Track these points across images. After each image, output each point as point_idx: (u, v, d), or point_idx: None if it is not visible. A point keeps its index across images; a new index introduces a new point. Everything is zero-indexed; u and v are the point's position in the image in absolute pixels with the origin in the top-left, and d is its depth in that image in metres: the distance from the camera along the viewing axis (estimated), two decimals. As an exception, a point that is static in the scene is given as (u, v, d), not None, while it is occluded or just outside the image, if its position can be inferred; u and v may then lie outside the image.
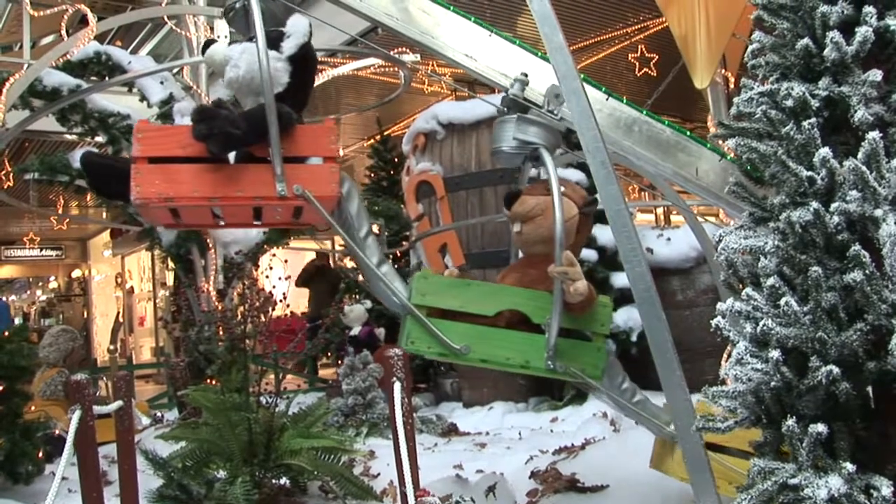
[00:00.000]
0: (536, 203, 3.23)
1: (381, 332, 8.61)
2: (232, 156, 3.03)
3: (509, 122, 3.20)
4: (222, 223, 3.38)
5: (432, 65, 9.40)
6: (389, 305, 3.18)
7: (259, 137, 2.89)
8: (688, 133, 3.56)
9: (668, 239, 7.75)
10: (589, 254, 7.63)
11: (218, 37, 8.74)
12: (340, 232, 3.06)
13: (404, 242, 10.13)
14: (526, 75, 3.26)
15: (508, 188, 8.56)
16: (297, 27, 3.07)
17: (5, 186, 11.50)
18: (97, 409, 3.39)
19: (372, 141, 13.36)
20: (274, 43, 3.00)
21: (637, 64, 10.51)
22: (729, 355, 2.25)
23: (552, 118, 3.18)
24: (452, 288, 3.20)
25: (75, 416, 3.11)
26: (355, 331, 8.39)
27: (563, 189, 3.21)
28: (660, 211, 14.37)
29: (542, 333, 3.16)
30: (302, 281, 12.31)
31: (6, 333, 5.31)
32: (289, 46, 3.03)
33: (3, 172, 11.43)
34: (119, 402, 3.76)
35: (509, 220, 3.43)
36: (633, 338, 7.15)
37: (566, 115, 3.09)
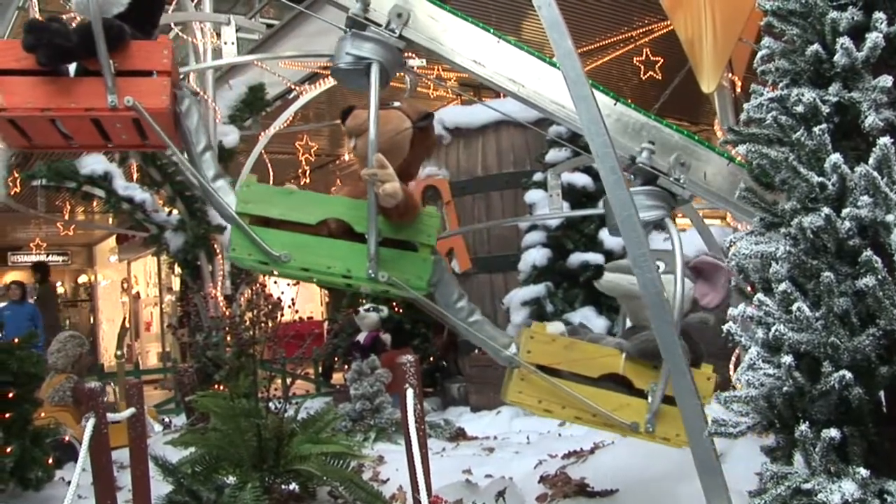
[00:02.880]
0: (368, 116, 3.23)
1: (386, 337, 8.61)
2: (73, 72, 3.12)
3: (345, 38, 3.21)
4: (74, 144, 3.42)
5: (437, 70, 9.41)
6: (223, 218, 3.24)
7: (91, 51, 2.97)
8: (695, 137, 3.56)
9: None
10: (595, 257, 7.64)
11: (224, 43, 8.78)
12: (170, 145, 3.12)
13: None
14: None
15: (515, 192, 8.58)
16: None
17: (12, 192, 11.53)
18: (110, 416, 3.41)
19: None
20: None
21: (642, 67, 10.51)
22: (739, 360, 2.25)
23: (389, 35, 3.19)
24: (275, 196, 3.23)
25: (90, 424, 3.12)
26: (361, 337, 8.40)
27: (398, 104, 3.33)
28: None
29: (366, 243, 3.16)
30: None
31: (15, 340, 5.32)
32: None
33: (11, 179, 11.46)
34: (132, 410, 3.77)
35: (345, 135, 3.48)
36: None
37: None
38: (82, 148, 3.60)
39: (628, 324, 3.70)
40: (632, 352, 3.34)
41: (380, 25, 3.23)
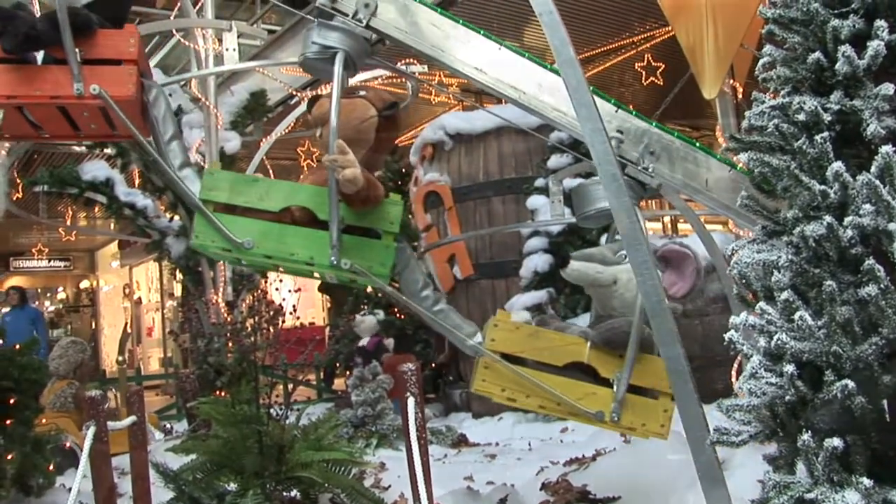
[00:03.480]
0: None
1: (389, 342, 8.61)
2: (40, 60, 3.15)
3: (312, 28, 3.22)
4: (44, 134, 3.44)
5: (439, 76, 9.42)
6: (188, 205, 3.25)
7: (58, 39, 3.00)
8: (697, 144, 3.56)
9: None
10: (597, 263, 7.61)
11: (226, 49, 8.79)
12: (135, 133, 3.14)
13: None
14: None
15: (516, 198, 8.57)
16: None
17: (15, 198, 11.54)
18: (111, 424, 3.40)
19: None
20: None
21: (643, 73, 10.52)
22: (740, 368, 2.24)
23: (356, 25, 3.20)
24: (239, 183, 3.25)
25: (90, 431, 3.11)
26: (364, 341, 8.39)
27: (364, 93, 3.34)
28: (667, 219, 14.34)
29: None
30: (325, 287, 12.28)
31: (17, 346, 5.32)
32: None
33: (14, 184, 11.47)
34: (133, 417, 3.76)
35: (311, 124, 3.50)
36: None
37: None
38: (53, 138, 3.61)
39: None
40: (597, 340, 3.33)
41: (346, 15, 3.24)
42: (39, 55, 3.14)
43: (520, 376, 3.22)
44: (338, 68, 3.14)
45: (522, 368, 3.25)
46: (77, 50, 3.02)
